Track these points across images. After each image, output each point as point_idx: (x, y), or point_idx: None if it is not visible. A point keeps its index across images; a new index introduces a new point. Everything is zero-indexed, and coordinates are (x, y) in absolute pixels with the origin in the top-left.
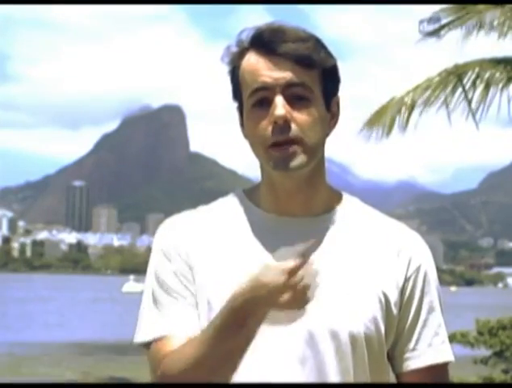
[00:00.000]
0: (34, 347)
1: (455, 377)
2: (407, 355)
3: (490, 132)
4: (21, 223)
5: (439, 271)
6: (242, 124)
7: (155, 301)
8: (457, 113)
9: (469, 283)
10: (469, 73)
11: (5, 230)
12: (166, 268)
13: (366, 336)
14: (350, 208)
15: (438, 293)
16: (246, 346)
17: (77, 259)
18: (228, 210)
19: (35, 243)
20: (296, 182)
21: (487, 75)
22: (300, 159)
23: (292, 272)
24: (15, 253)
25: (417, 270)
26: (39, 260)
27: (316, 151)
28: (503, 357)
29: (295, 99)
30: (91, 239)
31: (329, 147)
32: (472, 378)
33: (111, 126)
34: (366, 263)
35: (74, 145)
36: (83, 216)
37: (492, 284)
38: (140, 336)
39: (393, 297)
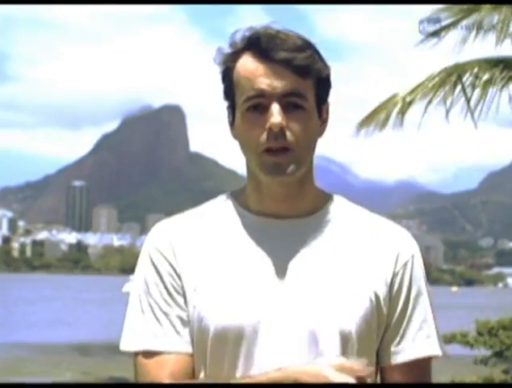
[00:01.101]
0: (34, 347)
1: (455, 377)
2: (392, 349)
3: (490, 133)
4: (21, 223)
5: (439, 271)
6: (232, 124)
7: (142, 310)
8: (457, 113)
9: (469, 283)
10: (469, 73)
11: (5, 230)
12: (155, 279)
13: (357, 335)
14: (337, 208)
15: (426, 288)
16: None
17: (77, 259)
18: (216, 214)
19: (35, 243)
20: (284, 187)
21: (486, 75)
22: (291, 168)
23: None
24: (15, 253)
25: (405, 266)
26: (39, 260)
27: (306, 159)
28: (503, 357)
29: (291, 107)
30: (91, 239)
31: (329, 147)
32: (472, 378)
33: (111, 126)
34: (355, 262)
35: (74, 145)
36: (83, 216)
37: (492, 284)
38: (127, 345)
39: (383, 294)
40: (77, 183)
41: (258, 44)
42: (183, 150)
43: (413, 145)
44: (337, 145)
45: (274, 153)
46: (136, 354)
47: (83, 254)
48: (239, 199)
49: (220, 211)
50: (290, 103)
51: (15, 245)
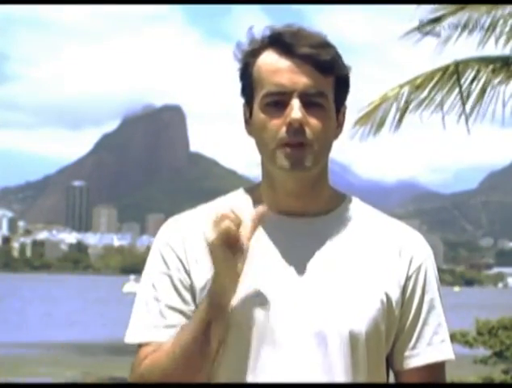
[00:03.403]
0: (34, 347)
1: (455, 377)
2: (407, 353)
3: (490, 133)
4: (21, 223)
5: (439, 271)
6: (247, 122)
7: (147, 304)
8: (457, 113)
9: (469, 283)
10: (468, 72)
11: (5, 230)
12: (162, 273)
13: (366, 336)
14: (351, 209)
15: (439, 292)
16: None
17: (77, 259)
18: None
19: (35, 243)
20: (299, 184)
21: (486, 74)
22: (308, 162)
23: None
24: (15, 253)
25: (419, 269)
26: (39, 260)
27: (323, 156)
28: (503, 357)
29: (311, 105)
30: (91, 239)
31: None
32: (472, 378)
33: (111, 126)
34: (368, 263)
35: (74, 145)
36: (83, 216)
37: (492, 284)
38: (129, 337)
39: (395, 297)
40: (77, 183)
41: (281, 39)
42: (183, 150)
43: (413, 145)
44: (338, 144)
45: (292, 148)
46: (139, 346)
47: (83, 254)
48: (253, 196)
49: (234, 208)
50: (310, 101)
51: (15, 245)
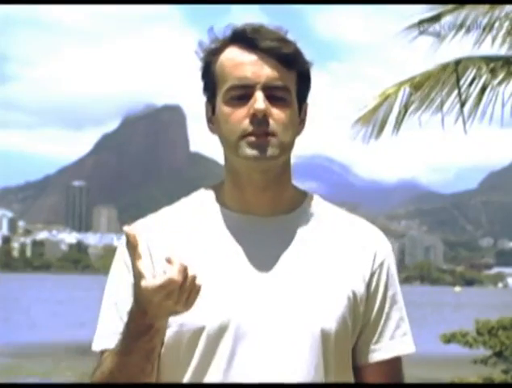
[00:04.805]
0: (34, 347)
1: (455, 377)
2: (370, 347)
3: (490, 133)
4: (21, 223)
5: (439, 271)
6: (209, 120)
7: (109, 310)
8: (457, 113)
9: (469, 283)
10: (468, 72)
11: (5, 230)
12: (124, 280)
13: (336, 334)
14: (314, 206)
15: (399, 287)
16: (154, 353)
17: (77, 259)
18: (193, 211)
19: (35, 243)
20: (264, 176)
21: (485, 74)
22: (273, 150)
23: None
24: (15, 253)
25: (381, 264)
26: (39, 260)
27: (286, 148)
28: (503, 357)
29: (274, 99)
30: (91, 239)
31: (331, 147)
32: (472, 378)
33: (111, 126)
34: (334, 260)
35: (74, 145)
36: (83, 216)
37: (492, 284)
38: (94, 345)
39: (360, 293)
40: (77, 183)
41: (243, 35)
42: (183, 150)
43: (414, 145)
44: (338, 145)
45: (256, 137)
46: (101, 353)
47: (83, 254)
48: (217, 195)
49: (198, 209)
50: (273, 95)
51: (15, 245)
